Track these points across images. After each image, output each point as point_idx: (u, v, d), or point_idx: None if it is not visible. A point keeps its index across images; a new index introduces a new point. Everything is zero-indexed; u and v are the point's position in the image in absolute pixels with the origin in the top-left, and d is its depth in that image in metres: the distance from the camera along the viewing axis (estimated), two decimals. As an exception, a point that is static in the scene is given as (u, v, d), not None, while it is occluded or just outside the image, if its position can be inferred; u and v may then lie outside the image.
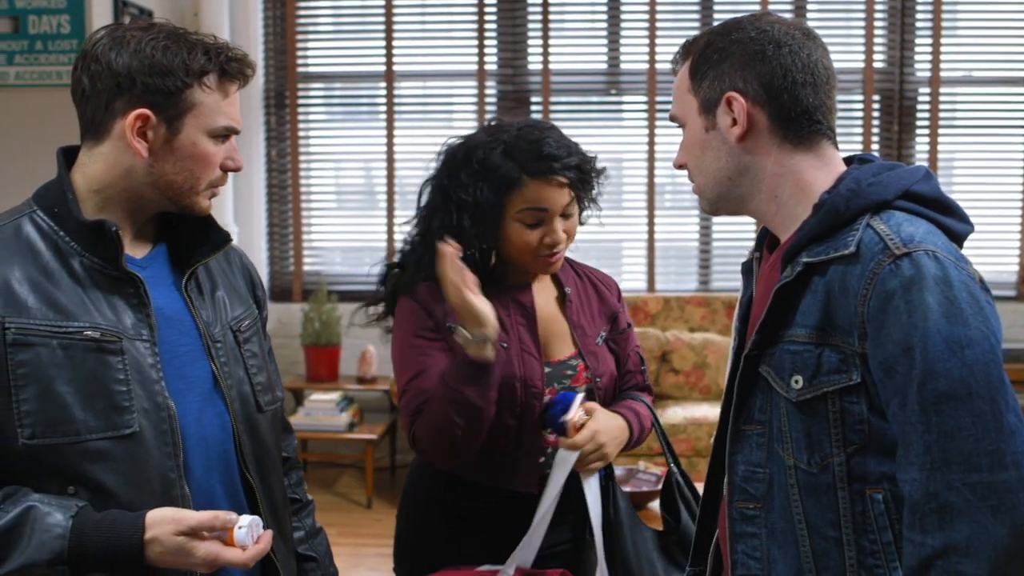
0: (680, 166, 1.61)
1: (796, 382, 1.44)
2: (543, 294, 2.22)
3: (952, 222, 1.46)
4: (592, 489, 2.11)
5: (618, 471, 3.31)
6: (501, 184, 2.06)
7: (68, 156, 1.63)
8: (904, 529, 1.37)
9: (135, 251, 1.64)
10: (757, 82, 1.49)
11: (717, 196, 1.57)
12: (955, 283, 1.35)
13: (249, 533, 1.53)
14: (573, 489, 2.10)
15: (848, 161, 1.56)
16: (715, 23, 5.72)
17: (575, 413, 2.04)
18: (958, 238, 1.47)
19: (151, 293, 1.59)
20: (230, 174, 1.68)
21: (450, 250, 1.96)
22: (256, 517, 1.56)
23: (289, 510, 1.87)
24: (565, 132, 2.14)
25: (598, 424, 2.06)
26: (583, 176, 2.11)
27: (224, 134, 1.61)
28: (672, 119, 1.62)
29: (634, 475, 3.72)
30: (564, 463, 2.06)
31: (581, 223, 2.22)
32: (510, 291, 2.17)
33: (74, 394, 1.51)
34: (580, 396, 2.08)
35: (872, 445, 1.41)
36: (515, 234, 2.09)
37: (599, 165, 2.17)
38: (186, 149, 1.58)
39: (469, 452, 2.04)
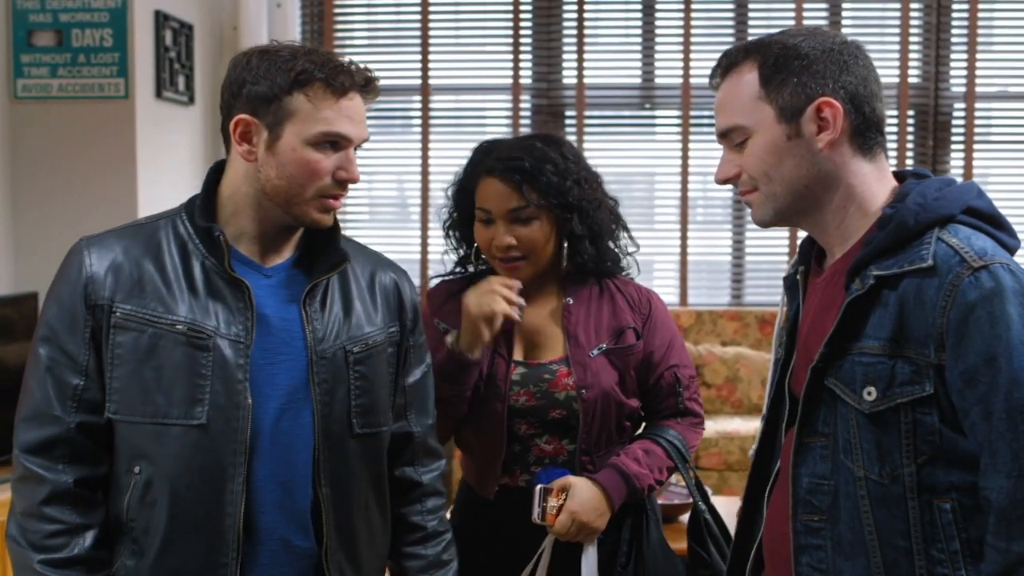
0: (725, 181, 1.57)
1: (869, 394, 1.45)
2: (541, 300, 2.20)
3: (1005, 237, 1.50)
4: (588, 559, 2.06)
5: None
6: (465, 181, 2.17)
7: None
8: (988, 536, 1.38)
9: (267, 260, 1.73)
10: (844, 91, 1.49)
11: (789, 205, 1.54)
12: None
13: None
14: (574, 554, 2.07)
15: (900, 177, 1.57)
16: (749, 38, 5.78)
17: (538, 507, 1.99)
18: (1010, 252, 1.49)
19: (259, 300, 1.67)
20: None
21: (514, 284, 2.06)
22: None
23: (387, 537, 1.85)
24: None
25: (576, 503, 2.01)
26: (529, 177, 2.07)
27: (325, 141, 1.67)
28: (725, 131, 1.56)
29: (666, 488, 3.70)
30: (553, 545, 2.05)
31: (623, 270, 2.23)
32: None
33: (156, 380, 1.63)
34: (539, 487, 2.02)
35: (942, 456, 1.42)
36: (477, 232, 2.16)
37: (593, 182, 2.16)
38: (286, 155, 1.66)
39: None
